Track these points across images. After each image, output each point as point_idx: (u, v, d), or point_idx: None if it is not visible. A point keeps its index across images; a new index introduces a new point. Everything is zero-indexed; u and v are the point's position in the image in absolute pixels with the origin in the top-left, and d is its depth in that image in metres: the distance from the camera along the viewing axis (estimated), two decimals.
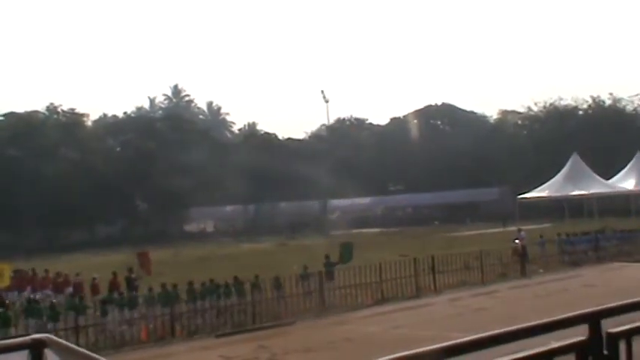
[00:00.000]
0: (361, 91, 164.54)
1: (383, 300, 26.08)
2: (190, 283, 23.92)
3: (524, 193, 56.10)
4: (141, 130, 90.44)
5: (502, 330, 2.96)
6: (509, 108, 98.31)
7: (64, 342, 3.11)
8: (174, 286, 23.67)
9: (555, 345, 2.99)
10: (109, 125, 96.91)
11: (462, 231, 58.39)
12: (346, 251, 28.91)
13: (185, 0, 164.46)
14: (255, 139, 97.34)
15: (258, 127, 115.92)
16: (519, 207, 53.76)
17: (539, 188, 56.49)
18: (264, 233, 72.35)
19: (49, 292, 27.69)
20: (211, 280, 24.42)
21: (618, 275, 29.46)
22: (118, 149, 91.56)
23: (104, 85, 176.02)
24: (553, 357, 2.97)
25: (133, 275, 28.24)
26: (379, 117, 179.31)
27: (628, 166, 56.74)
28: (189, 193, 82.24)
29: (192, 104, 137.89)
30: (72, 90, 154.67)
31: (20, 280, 29.90)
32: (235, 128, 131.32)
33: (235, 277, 24.76)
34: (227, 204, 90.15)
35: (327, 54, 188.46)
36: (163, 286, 23.69)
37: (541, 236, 37.06)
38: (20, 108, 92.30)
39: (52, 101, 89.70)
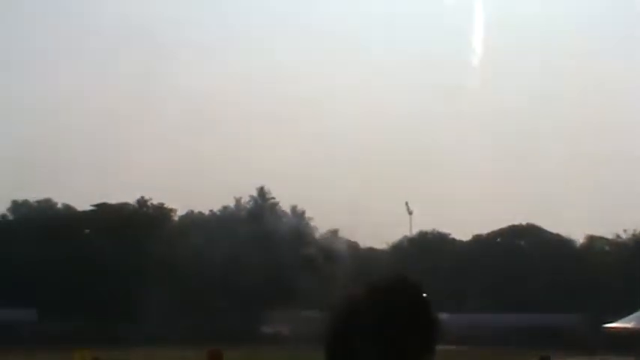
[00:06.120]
0: (445, 205, 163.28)
1: None
2: None
3: (609, 322, 53.88)
4: (228, 228, 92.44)
5: None
6: (597, 233, 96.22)
7: None
8: None
9: None
10: (195, 221, 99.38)
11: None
12: None
13: None
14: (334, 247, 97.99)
15: (340, 234, 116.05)
16: (602, 336, 51.76)
17: (625, 318, 54.15)
18: None
19: None
20: None
21: None
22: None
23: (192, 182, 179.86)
24: None
25: None
26: (462, 232, 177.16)
27: None
28: (263, 294, 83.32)
29: (277, 207, 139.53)
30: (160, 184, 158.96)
31: None
32: (317, 233, 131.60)
33: None
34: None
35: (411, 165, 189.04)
36: None
37: None
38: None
39: (142, 194, 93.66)
